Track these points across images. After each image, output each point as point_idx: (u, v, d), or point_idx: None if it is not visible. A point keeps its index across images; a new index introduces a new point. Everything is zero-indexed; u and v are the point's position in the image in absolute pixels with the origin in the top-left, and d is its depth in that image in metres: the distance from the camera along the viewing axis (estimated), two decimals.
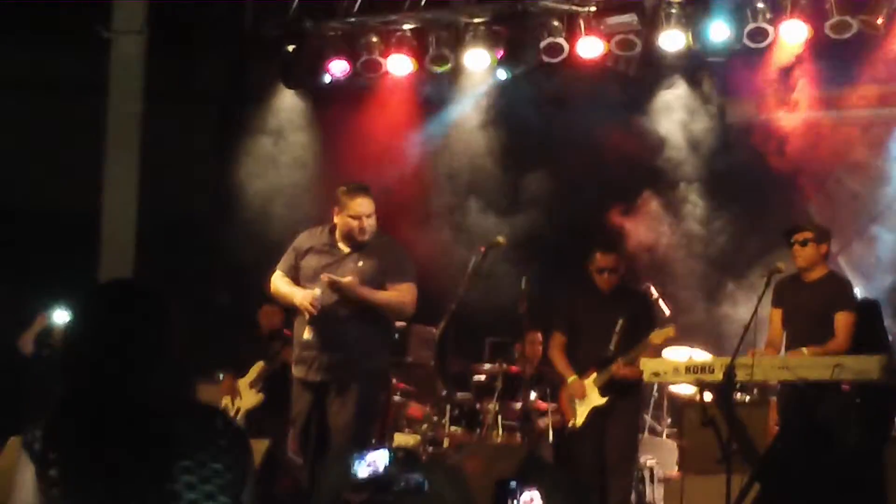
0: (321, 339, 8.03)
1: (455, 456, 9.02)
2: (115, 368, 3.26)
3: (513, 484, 7.27)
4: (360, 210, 8.06)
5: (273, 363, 10.95)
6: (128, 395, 3.26)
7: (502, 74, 12.27)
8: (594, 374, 9.19)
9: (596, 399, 9.18)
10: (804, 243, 8.73)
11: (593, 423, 9.22)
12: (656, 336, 9.06)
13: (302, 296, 7.98)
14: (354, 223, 8.05)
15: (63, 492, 3.17)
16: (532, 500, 7.26)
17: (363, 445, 8.00)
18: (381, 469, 7.08)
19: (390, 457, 7.15)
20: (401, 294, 8.06)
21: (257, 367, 11.07)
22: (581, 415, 9.25)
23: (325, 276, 7.94)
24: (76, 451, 3.19)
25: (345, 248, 8.14)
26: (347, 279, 7.94)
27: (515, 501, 7.20)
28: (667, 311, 10.36)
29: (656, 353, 9.09)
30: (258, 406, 11.02)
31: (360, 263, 8.05)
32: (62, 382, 3.32)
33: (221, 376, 11.25)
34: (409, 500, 6.71)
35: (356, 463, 7.21)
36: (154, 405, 3.27)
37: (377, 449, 7.33)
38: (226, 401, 11.06)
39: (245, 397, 11.10)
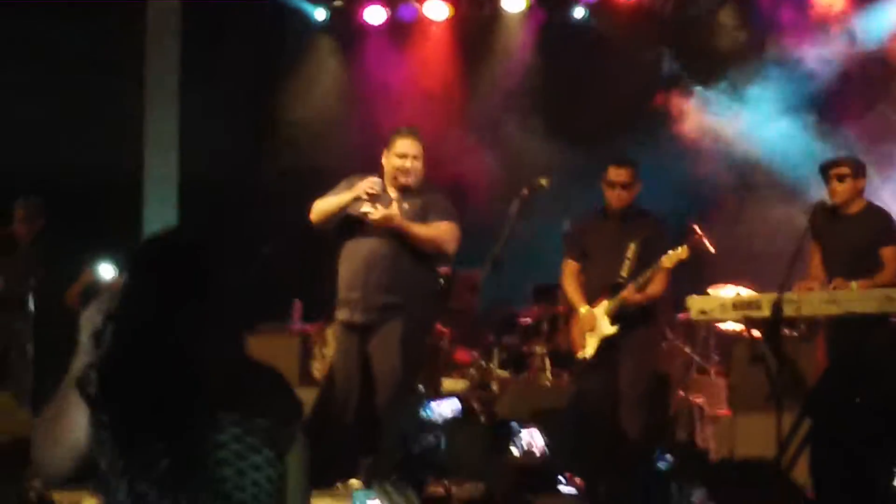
0: (366, 280, 8.06)
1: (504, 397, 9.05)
2: (162, 321, 3.28)
3: (514, 424, 7.29)
4: (405, 150, 8.14)
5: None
6: (177, 346, 3.28)
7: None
8: (604, 302, 8.79)
9: (606, 328, 8.77)
10: (841, 178, 8.67)
11: (604, 354, 8.78)
12: (668, 259, 8.66)
13: (360, 185, 8.03)
14: (398, 162, 8.11)
15: (113, 435, 3.22)
16: (532, 437, 7.28)
17: (408, 390, 8.07)
18: (450, 415, 7.10)
19: (462, 406, 7.17)
20: (442, 231, 8.09)
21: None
22: (591, 346, 8.83)
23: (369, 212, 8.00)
24: (127, 397, 3.23)
25: (392, 193, 8.16)
26: (390, 210, 7.99)
27: (515, 441, 7.23)
28: (712, 250, 10.32)
29: (667, 277, 8.78)
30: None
31: (405, 205, 8.09)
32: (113, 332, 3.35)
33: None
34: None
35: (426, 409, 7.25)
36: (202, 357, 3.29)
37: (446, 398, 7.36)
38: (317, 350, 11.03)
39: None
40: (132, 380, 3.24)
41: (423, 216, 8.10)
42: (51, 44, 12.01)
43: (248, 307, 3.47)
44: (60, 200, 10.98)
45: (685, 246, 8.74)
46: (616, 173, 8.93)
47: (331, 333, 10.99)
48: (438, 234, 8.10)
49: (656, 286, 8.78)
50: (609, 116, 11.89)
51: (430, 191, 8.26)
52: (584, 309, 8.91)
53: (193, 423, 3.22)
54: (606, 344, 8.78)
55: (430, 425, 6.88)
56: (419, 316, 8.14)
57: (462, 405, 8.69)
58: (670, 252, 8.68)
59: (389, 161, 8.17)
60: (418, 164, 8.14)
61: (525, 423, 7.60)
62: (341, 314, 8.19)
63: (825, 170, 8.78)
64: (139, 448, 3.21)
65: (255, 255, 12.23)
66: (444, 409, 8.30)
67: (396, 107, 12.00)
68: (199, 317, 3.32)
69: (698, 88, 11.88)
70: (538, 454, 7.57)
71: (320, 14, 13.25)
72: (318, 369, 10.95)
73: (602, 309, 8.81)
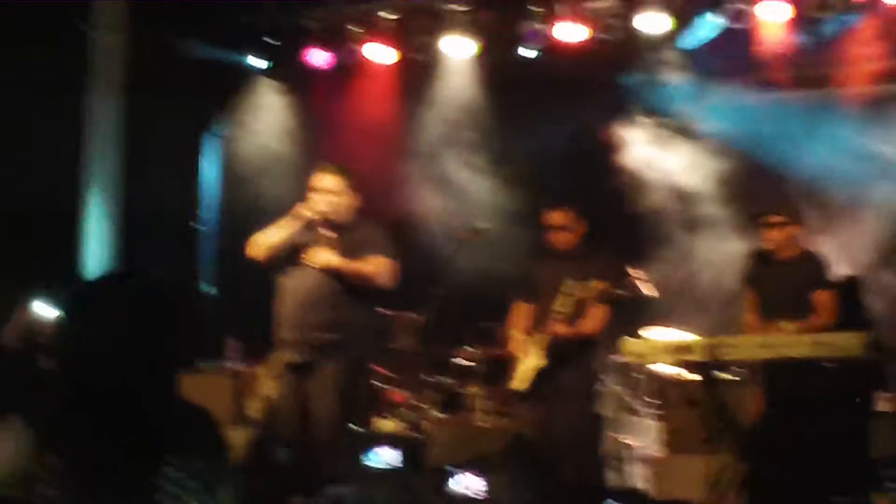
0: (303, 319, 8.06)
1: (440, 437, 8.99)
2: (113, 362, 3.27)
3: (449, 468, 7.29)
4: (321, 184, 8.12)
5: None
6: (127, 388, 3.27)
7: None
8: (539, 335, 8.72)
9: (537, 359, 8.66)
10: (774, 226, 8.71)
11: (539, 388, 8.67)
12: (582, 290, 8.59)
13: (298, 210, 8.04)
14: (316, 197, 8.09)
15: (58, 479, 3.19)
16: (468, 480, 7.27)
17: (342, 432, 8.03)
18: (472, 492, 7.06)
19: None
20: (377, 266, 8.08)
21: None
22: (524, 378, 8.72)
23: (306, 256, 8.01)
24: (75, 442, 3.22)
25: (324, 230, 8.15)
26: (323, 254, 8.01)
27: (451, 483, 7.21)
28: (655, 295, 10.36)
29: (604, 315, 8.66)
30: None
31: (338, 240, 8.09)
32: (62, 375, 3.34)
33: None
34: None
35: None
36: (150, 397, 3.29)
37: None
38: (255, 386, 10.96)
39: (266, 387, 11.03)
40: (81, 423, 3.23)
41: (357, 251, 8.09)
42: None
43: (189, 346, 3.45)
44: None
45: (601, 280, 8.61)
46: (554, 216, 8.91)
47: (263, 372, 10.96)
48: (374, 270, 8.09)
49: (591, 322, 8.71)
50: (553, 154, 11.89)
51: (363, 226, 8.24)
52: (517, 334, 8.90)
53: (142, 466, 3.21)
54: (539, 378, 8.69)
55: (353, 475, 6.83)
56: (357, 354, 8.12)
57: (401, 451, 8.64)
58: (588, 283, 8.59)
59: (310, 197, 8.16)
60: (340, 200, 8.13)
61: (460, 467, 7.57)
62: (282, 354, 8.16)
63: (757, 217, 8.83)
64: (88, 487, 3.18)
65: (197, 294, 12.19)
66: (387, 456, 8.26)
67: (342, 144, 11.96)
68: (146, 357, 3.31)
69: (645, 121, 11.90)
70: (477, 497, 7.53)
71: (262, 63, 13.25)
72: (254, 409, 10.88)
73: (536, 340, 8.74)
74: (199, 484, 3.25)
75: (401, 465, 7.84)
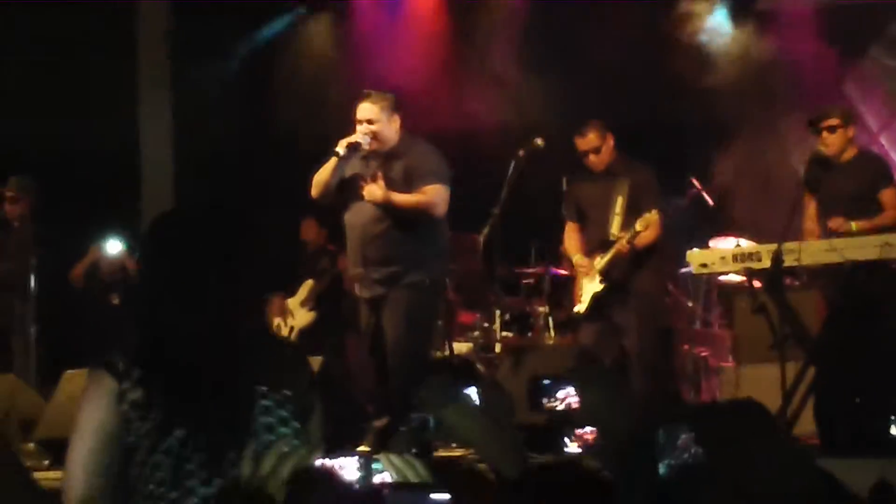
0: (363, 255, 8.06)
1: (507, 359, 9.05)
2: (194, 295, 3.28)
3: (546, 382, 7.26)
4: (361, 115, 8.03)
5: (322, 280, 11.00)
6: (208, 320, 3.29)
7: None
8: (598, 258, 8.81)
9: (596, 285, 8.80)
10: (832, 129, 8.67)
11: (596, 311, 8.83)
12: (640, 223, 8.56)
13: (337, 147, 8.01)
14: (358, 128, 8.02)
15: (142, 415, 3.23)
16: (568, 395, 7.27)
17: (418, 359, 8.05)
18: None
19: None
20: (426, 196, 7.98)
21: (307, 286, 11.12)
22: (584, 301, 8.88)
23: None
24: (159, 375, 3.25)
25: (374, 162, 8.12)
26: (371, 188, 7.98)
27: (551, 399, 7.20)
28: (710, 202, 10.33)
29: (659, 224, 8.71)
30: (311, 324, 11.08)
31: (389, 170, 8.04)
32: (141, 309, 3.36)
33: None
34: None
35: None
36: (239, 329, 3.32)
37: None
38: (277, 321, 11.14)
39: (297, 316, 11.16)
40: (164, 355, 3.26)
41: (407, 180, 8.02)
42: (46, 26, 12.01)
43: (266, 278, 3.48)
44: (57, 179, 10.97)
45: (655, 210, 8.65)
46: (582, 142, 8.93)
47: (293, 303, 11.08)
48: (424, 200, 7.99)
49: (649, 233, 8.73)
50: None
51: (413, 151, 8.12)
52: (577, 256, 8.98)
53: (238, 395, 3.25)
54: (597, 301, 8.81)
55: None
56: (423, 281, 8.05)
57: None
58: (644, 216, 8.59)
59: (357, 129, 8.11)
60: (380, 127, 8.01)
61: (559, 380, 7.57)
62: (356, 289, 8.24)
63: (814, 123, 8.79)
64: (183, 419, 3.22)
65: (263, 226, 12.27)
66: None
67: (390, 68, 11.92)
68: (233, 289, 3.32)
69: None
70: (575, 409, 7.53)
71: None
72: None
73: (595, 265, 8.82)
74: (290, 412, 3.29)
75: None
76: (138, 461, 3.23)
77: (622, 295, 8.78)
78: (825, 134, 8.67)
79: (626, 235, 8.63)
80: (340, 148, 7.99)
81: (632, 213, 8.74)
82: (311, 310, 11.10)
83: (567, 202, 9.23)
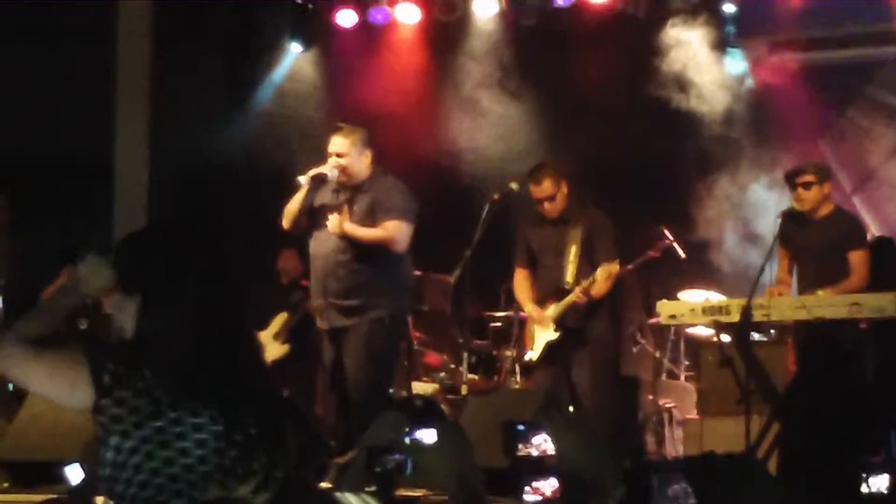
0: (324, 286, 8.11)
1: (473, 401, 9.03)
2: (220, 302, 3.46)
3: (520, 427, 7.22)
4: (330, 148, 8.13)
5: (296, 313, 10.94)
6: (240, 326, 3.49)
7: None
8: (551, 307, 8.83)
9: (550, 333, 8.82)
10: (807, 186, 8.72)
11: (549, 358, 8.85)
12: (601, 273, 8.60)
13: (301, 179, 8.08)
14: (328, 161, 8.09)
15: (121, 431, 3.29)
16: (544, 441, 7.22)
17: (377, 395, 8.03)
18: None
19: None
20: (386, 231, 8.02)
21: (280, 319, 11.05)
22: (537, 349, 8.90)
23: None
24: (149, 397, 3.30)
25: (342, 193, 8.17)
26: (333, 220, 8.02)
27: (526, 444, 7.15)
28: (682, 254, 10.35)
29: (606, 288, 8.72)
30: (283, 358, 11.01)
31: (355, 205, 8.10)
32: (141, 319, 3.45)
33: None
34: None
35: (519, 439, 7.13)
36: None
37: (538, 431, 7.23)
38: None
39: (269, 349, 11.09)
40: (155, 376, 3.31)
41: (371, 214, 8.07)
42: (22, 33, 11.98)
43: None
44: (29, 195, 10.91)
45: (616, 261, 8.72)
46: (536, 190, 8.91)
47: (265, 335, 11.04)
48: (383, 235, 8.02)
49: (600, 288, 8.73)
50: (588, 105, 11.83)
51: (379, 185, 8.17)
52: (529, 307, 9.00)
53: (214, 427, 3.33)
54: (550, 348, 8.85)
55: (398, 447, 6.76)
56: (384, 315, 8.06)
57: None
58: (603, 266, 8.63)
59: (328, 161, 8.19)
60: (349, 161, 8.08)
61: (535, 428, 7.51)
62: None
63: (790, 178, 8.84)
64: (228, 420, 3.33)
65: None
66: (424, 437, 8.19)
67: (369, 103, 11.94)
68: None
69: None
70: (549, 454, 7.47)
71: (290, 24, 13.28)
72: None
73: (549, 313, 8.85)
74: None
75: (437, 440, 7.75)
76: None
77: (576, 342, 8.81)
78: (800, 190, 8.72)
79: (584, 285, 8.65)
80: (302, 178, 8.07)
81: (586, 261, 8.80)
82: (283, 343, 11.03)
83: (518, 248, 9.18)
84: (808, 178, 8.75)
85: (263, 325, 11.13)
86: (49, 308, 3.52)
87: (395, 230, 8.03)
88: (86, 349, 3.35)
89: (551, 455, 7.11)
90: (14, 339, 3.42)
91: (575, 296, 8.68)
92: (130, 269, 3.50)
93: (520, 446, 7.10)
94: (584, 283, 8.66)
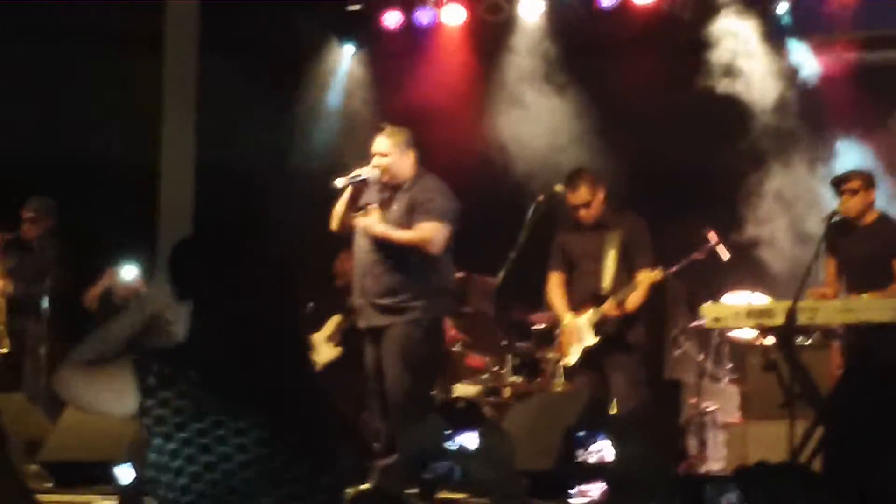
0: (362, 285, 8.14)
1: (516, 404, 9.04)
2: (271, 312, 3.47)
3: (580, 434, 7.21)
4: (374, 148, 8.15)
5: (350, 316, 10.96)
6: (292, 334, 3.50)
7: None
8: (589, 312, 8.82)
9: (589, 339, 8.81)
10: (853, 192, 8.69)
11: (587, 363, 8.85)
12: (643, 278, 8.66)
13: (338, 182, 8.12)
14: (372, 161, 8.11)
15: (164, 433, 3.31)
16: (603, 448, 7.20)
17: (416, 398, 8.02)
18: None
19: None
20: (421, 232, 8.00)
21: (334, 321, 11.04)
22: (574, 353, 8.90)
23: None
24: (192, 399, 3.32)
25: (384, 193, 8.19)
26: (366, 219, 8.07)
27: (585, 451, 7.14)
28: (726, 256, 10.30)
29: (645, 295, 8.75)
30: (335, 361, 11.03)
31: (395, 204, 8.11)
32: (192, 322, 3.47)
33: None
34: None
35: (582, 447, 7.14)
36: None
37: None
38: None
39: (322, 351, 11.12)
40: (203, 380, 3.34)
41: (409, 215, 8.06)
42: (71, 36, 12.04)
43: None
44: (74, 199, 10.97)
45: (660, 268, 8.74)
46: (573, 196, 8.90)
47: (318, 337, 11.06)
48: (420, 238, 8.00)
49: (636, 298, 8.76)
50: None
51: (420, 187, 8.16)
52: (567, 318, 8.97)
53: (253, 429, 3.34)
54: (588, 353, 8.84)
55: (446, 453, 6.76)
56: (422, 317, 8.05)
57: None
58: (645, 272, 8.68)
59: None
60: (392, 160, 8.09)
61: (593, 434, 7.49)
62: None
63: (836, 185, 8.82)
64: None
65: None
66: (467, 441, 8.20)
67: (415, 103, 11.95)
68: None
69: None
70: (609, 461, 7.46)
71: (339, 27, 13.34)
72: None
73: (586, 319, 8.84)
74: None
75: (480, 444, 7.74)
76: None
77: (614, 348, 8.81)
78: (846, 196, 8.69)
79: (619, 297, 8.68)
80: (340, 181, 8.09)
81: (624, 267, 8.82)
82: (336, 345, 11.04)
83: (554, 253, 9.17)
84: (854, 184, 8.72)
85: (319, 327, 11.17)
86: (109, 329, 3.55)
87: (432, 231, 8.01)
88: (132, 355, 3.37)
89: (609, 462, 7.11)
90: (70, 363, 3.44)
91: (609, 309, 8.70)
92: (182, 274, 3.52)
93: (579, 452, 7.09)
94: (620, 295, 8.69)
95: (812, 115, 11.64)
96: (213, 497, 3.25)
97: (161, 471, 3.29)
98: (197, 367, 3.33)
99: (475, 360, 10.90)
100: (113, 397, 3.36)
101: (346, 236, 8.42)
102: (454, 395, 10.04)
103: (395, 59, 13.02)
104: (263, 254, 3.56)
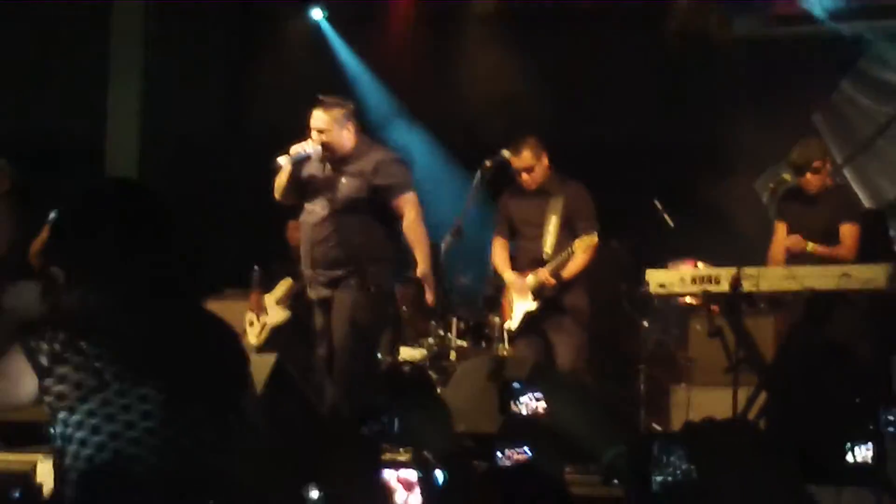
0: (312, 256, 8.14)
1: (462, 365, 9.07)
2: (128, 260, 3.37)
3: (516, 385, 7.25)
4: (312, 123, 8.07)
5: (301, 280, 10.95)
6: (142, 295, 3.37)
7: None
8: (529, 276, 8.91)
9: (528, 303, 8.93)
10: (816, 171, 8.71)
11: (529, 327, 8.97)
12: (579, 245, 8.72)
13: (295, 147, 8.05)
14: (312, 137, 8.05)
15: (67, 407, 3.26)
16: (535, 400, 7.24)
17: (362, 363, 8.05)
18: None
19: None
20: (416, 225, 8.10)
21: (285, 284, 11.06)
22: (516, 318, 9.03)
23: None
24: (91, 371, 3.26)
25: (329, 165, 8.14)
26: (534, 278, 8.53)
27: (519, 403, 7.18)
28: (671, 224, 10.34)
29: (588, 253, 8.82)
30: (284, 323, 11.04)
31: (344, 181, 8.07)
32: (71, 281, 3.38)
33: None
34: None
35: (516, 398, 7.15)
36: (165, 303, 3.41)
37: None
38: (251, 316, 11.13)
39: (271, 313, 11.13)
40: (92, 343, 3.27)
41: (370, 192, 8.02)
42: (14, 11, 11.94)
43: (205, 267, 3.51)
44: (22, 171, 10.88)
45: (595, 233, 8.77)
46: (515, 161, 8.94)
47: (269, 299, 11.05)
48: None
49: (575, 265, 8.84)
50: None
51: (372, 159, 8.12)
52: (508, 275, 9.08)
53: (149, 374, 3.31)
54: (530, 318, 8.95)
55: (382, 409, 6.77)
56: (370, 283, 8.03)
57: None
58: (581, 238, 8.73)
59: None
60: (330, 136, 8.02)
61: (527, 385, 7.54)
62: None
63: (799, 165, 8.79)
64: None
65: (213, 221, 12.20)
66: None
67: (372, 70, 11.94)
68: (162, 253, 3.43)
69: None
70: (542, 413, 7.49)
71: (317, 13, 13.27)
72: (253, 335, 11.04)
73: (526, 284, 8.92)
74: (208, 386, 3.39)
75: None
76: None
77: (553, 311, 8.90)
78: (809, 175, 8.71)
79: (554, 264, 8.77)
80: (282, 159, 8.04)
81: (565, 232, 8.87)
82: (286, 308, 11.06)
83: (499, 217, 9.25)
84: (818, 163, 8.75)
85: (270, 289, 11.17)
86: None
87: (414, 207, 8.09)
88: (18, 339, 3.28)
89: (542, 414, 7.15)
90: None
91: (544, 278, 8.78)
92: (69, 240, 3.43)
93: (512, 404, 7.14)
94: (555, 262, 8.76)
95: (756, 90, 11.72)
96: (119, 466, 3.22)
97: (66, 442, 3.26)
98: (93, 337, 3.26)
99: (421, 324, 10.90)
100: (10, 386, 3.29)
101: (290, 206, 8.40)
102: (400, 358, 10.06)
103: (353, 24, 12.97)
104: (164, 213, 3.46)
